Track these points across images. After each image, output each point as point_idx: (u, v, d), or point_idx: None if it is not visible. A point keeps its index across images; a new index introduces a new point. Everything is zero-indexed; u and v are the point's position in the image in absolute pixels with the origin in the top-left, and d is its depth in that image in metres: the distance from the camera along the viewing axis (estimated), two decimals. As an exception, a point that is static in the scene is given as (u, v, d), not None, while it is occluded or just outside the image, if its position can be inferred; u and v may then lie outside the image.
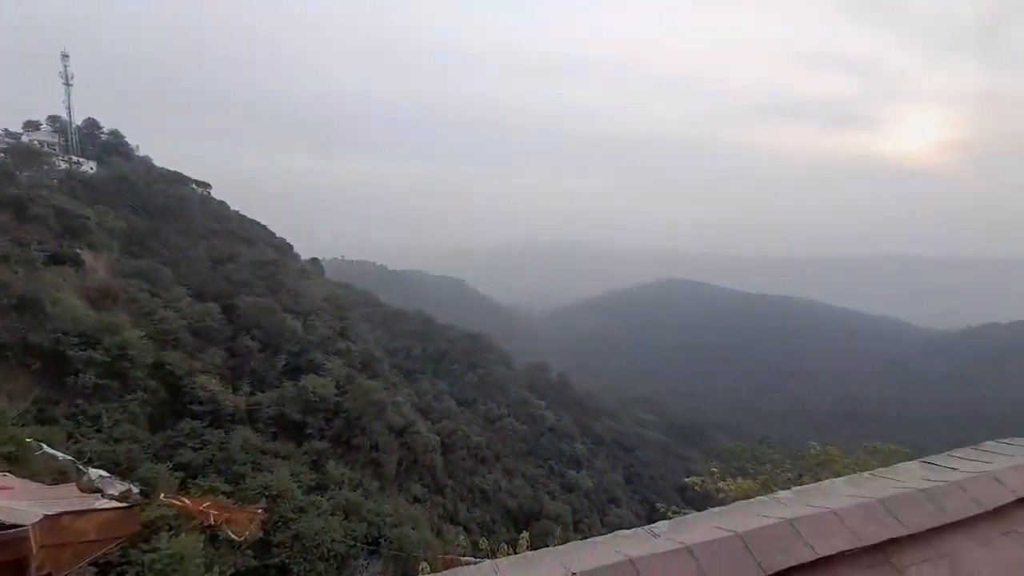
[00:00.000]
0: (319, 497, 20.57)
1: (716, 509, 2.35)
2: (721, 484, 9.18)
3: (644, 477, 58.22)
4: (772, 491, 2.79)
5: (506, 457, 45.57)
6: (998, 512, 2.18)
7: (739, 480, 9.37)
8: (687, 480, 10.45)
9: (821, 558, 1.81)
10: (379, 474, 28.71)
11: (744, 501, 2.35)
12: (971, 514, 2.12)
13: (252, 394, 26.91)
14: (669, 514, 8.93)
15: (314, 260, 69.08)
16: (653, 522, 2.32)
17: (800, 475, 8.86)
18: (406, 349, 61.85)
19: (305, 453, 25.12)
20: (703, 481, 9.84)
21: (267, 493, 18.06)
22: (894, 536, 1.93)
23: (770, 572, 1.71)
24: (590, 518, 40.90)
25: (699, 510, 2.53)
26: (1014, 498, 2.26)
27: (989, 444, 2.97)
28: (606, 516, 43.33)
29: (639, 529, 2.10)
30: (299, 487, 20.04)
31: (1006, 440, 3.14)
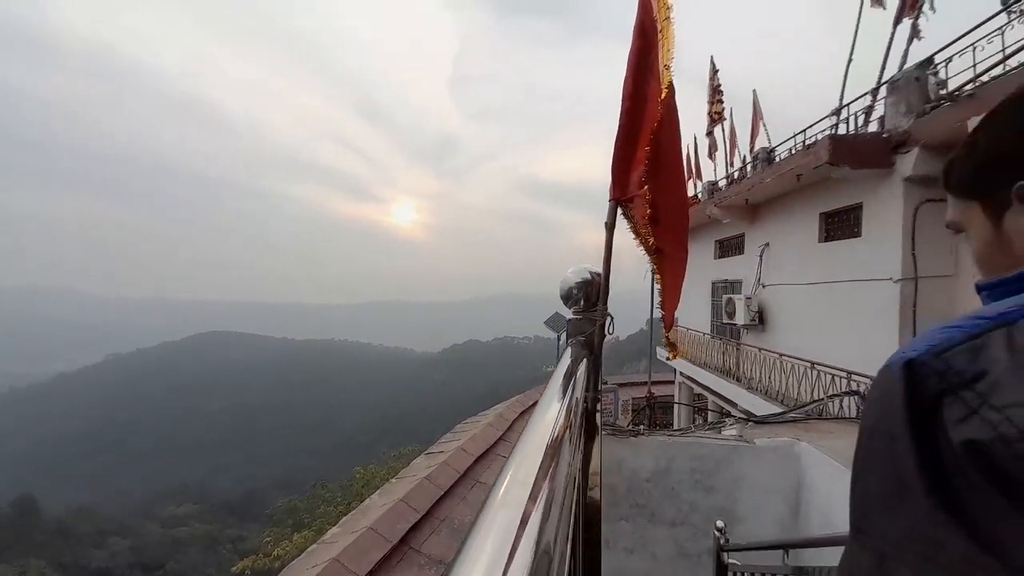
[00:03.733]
0: None
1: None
2: (277, 551, 8.59)
3: (184, 590, 45.55)
4: (324, 532, 2.85)
5: None
6: (468, 473, 3.16)
7: (295, 537, 9.09)
8: (236, 568, 9.05)
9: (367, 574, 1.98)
10: None
11: (295, 562, 2.27)
12: (454, 481, 2.96)
13: None
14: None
15: None
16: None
17: (349, 503, 9.57)
18: None
19: None
20: (255, 559, 8.90)
21: None
22: (412, 523, 2.40)
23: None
24: None
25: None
26: (473, 459, 3.35)
27: (458, 426, 4.31)
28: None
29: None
30: None
31: (469, 420, 4.64)
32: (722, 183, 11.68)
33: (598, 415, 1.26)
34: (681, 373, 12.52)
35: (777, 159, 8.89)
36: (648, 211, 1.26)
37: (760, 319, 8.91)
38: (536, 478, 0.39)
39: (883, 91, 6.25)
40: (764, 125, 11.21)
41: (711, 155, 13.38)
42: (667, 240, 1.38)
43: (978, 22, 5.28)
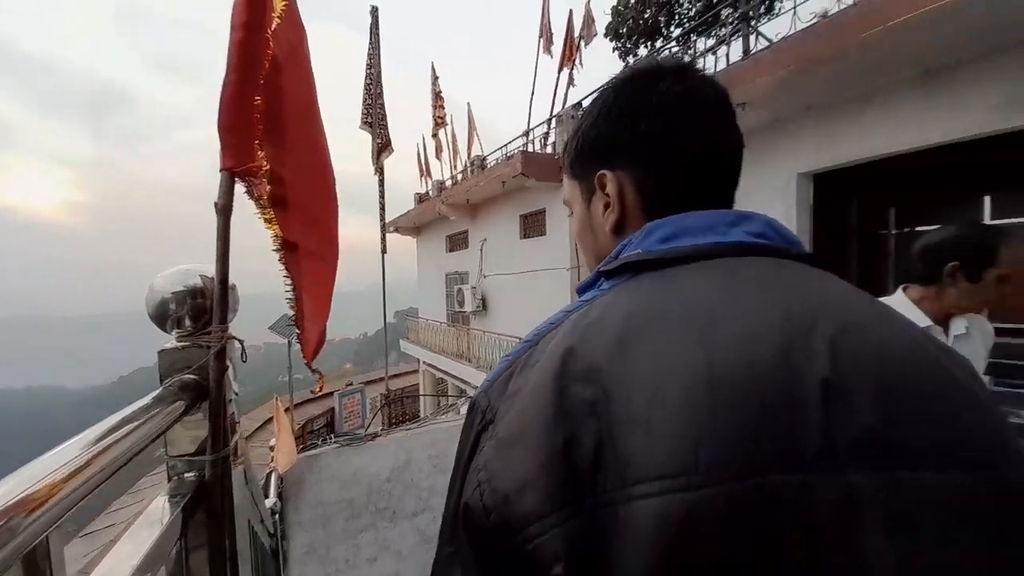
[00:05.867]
0: None
1: None
2: None
3: None
4: None
5: None
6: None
7: None
8: None
9: None
10: None
11: None
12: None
13: None
14: None
15: None
16: None
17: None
18: None
19: None
20: None
21: None
22: None
23: None
24: None
25: None
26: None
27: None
28: None
29: None
30: None
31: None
32: (449, 183, 12.74)
33: (232, 478, 0.88)
34: (423, 362, 13.20)
35: (489, 166, 10.31)
36: (269, 188, 0.90)
37: (483, 305, 10.26)
38: None
39: (555, 121, 8.03)
40: (478, 135, 12.76)
41: (438, 155, 14.38)
42: (307, 233, 1.04)
43: (607, 81, 7.38)
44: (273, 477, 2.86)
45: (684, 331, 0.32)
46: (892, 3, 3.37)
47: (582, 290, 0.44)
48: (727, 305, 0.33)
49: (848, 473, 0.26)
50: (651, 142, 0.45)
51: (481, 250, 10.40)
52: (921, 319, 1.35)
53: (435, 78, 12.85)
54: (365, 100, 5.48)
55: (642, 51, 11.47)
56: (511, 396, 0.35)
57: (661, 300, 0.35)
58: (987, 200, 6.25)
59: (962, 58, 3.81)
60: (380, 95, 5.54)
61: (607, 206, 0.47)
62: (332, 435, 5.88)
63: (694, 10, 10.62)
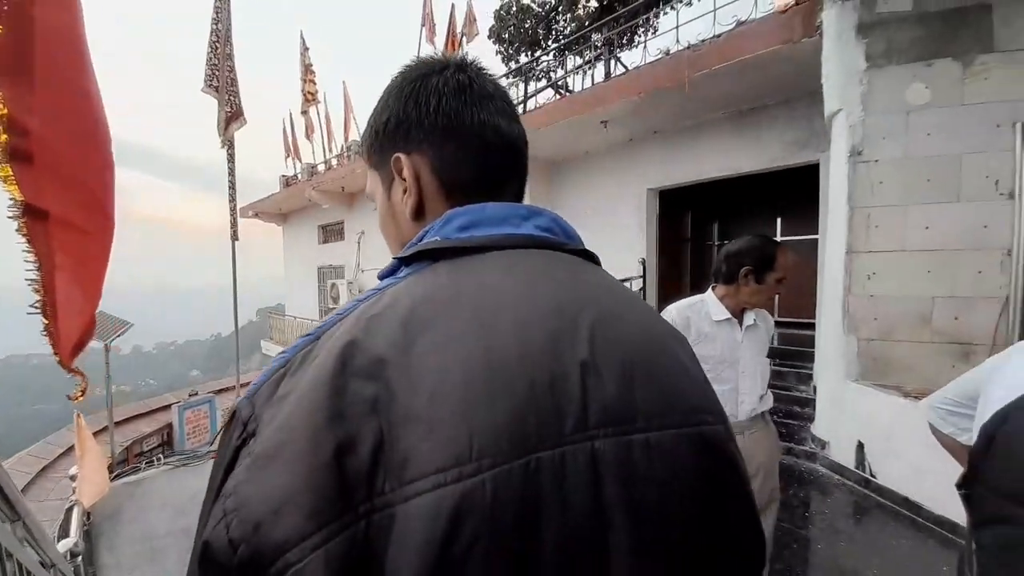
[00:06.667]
0: None
1: None
2: None
3: None
4: None
5: None
6: None
7: None
8: None
9: None
10: None
11: None
12: None
13: None
14: None
15: None
16: None
17: None
18: None
19: None
20: None
21: None
22: None
23: None
24: None
25: None
26: None
27: None
28: None
29: None
30: None
31: None
32: (321, 167, 11.76)
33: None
34: (290, 363, 12.00)
35: (366, 154, 9.73)
36: (5, 138, 0.73)
37: (359, 301, 9.72)
38: None
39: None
40: (355, 118, 12.00)
41: (308, 136, 13.16)
42: (62, 197, 0.82)
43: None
44: (75, 513, 2.35)
45: (470, 319, 0.33)
46: (709, 52, 4.05)
47: (383, 277, 0.43)
48: (510, 294, 0.35)
49: (595, 440, 0.31)
50: (439, 122, 0.45)
51: (359, 242, 9.84)
52: (722, 313, 1.66)
53: (305, 49, 11.72)
54: (210, 60, 4.72)
55: (523, 58, 11.94)
56: (279, 401, 0.31)
57: (453, 288, 0.36)
58: (779, 220, 7.87)
59: (765, 103, 4.74)
60: (230, 56, 4.81)
61: (405, 191, 0.47)
62: (164, 455, 5.02)
63: (569, 28, 11.39)
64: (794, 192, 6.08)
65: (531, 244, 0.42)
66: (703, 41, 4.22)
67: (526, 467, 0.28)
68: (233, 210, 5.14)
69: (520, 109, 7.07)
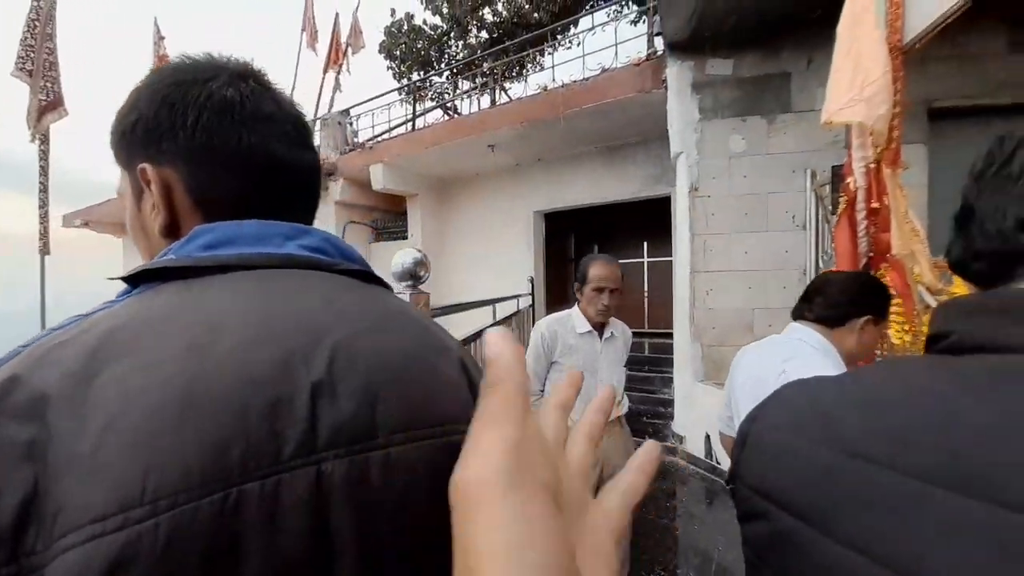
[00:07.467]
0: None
1: None
2: None
3: None
4: None
5: None
6: None
7: None
8: None
9: None
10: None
11: None
12: None
13: None
14: None
15: None
16: None
17: None
18: None
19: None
20: None
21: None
22: None
23: None
24: None
25: None
26: None
27: None
28: None
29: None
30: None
31: None
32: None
33: None
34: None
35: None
36: None
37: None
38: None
39: (318, 124, 7.55)
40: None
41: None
42: None
43: (375, 95, 7.38)
44: None
45: (177, 344, 0.29)
46: (579, 92, 4.52)
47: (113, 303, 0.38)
48: (237, 315, 0.32)
49: (323, 463, 0.28)
50: (196, 139, 0.40)
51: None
52: (585, 326, 1.84)
53: (160, 38, 10.28)
54: (25, 40, 3.89)
55: (415, 76, 11.96)
56: None
57: (165, 310, 0.32)
58: (646, 244, 8.90)
59: (628, 141, 5.39)
60: (51, 37, 4.00)
61: (154, 206, 0.41)
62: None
63: (461, 55, 11.73)
64: (656, 220, 6.95)
65: (291, 264, 0.38)
66: (575, 82, 4.67)
67: (223, 501, 0.25)
68: (43, 217, 4.17)
69: (408, 127, 7.06)
